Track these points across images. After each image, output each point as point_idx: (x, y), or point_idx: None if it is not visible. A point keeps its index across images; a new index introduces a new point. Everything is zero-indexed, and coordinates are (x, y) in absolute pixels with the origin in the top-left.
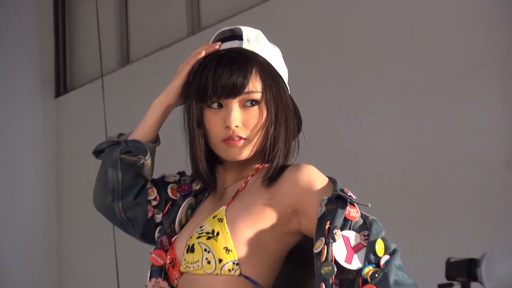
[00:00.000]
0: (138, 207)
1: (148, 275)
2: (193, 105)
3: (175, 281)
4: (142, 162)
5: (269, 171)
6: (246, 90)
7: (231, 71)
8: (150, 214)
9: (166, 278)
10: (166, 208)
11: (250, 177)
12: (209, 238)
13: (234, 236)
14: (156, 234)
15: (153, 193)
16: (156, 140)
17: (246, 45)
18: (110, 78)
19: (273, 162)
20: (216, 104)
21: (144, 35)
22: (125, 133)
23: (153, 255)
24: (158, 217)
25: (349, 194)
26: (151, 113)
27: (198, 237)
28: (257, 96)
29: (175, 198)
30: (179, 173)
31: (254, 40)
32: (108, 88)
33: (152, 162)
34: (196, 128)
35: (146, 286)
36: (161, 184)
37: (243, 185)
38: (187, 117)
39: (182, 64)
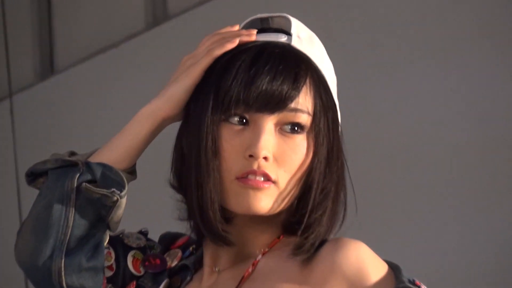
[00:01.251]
0: (89, 273)
1: None
2: (207, 118)
3: None
4: (115, 199)
5: (301, 245)
6: (293, 105)
7: (275, 72)
8: None
9: None
10: None
11: (260, 256)
12: None
13: None
14: None
15: (110, 258)
16: (133, 171)
17: (296, 43)
18: (25, 96)
19: (310, 231)
20: (237, 118)
21: (77, 33)
22: (79, 153)
23: None
24: None
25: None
26: (135, 127)
27: None
28: (305, 119)
29: (138, 274)
30: (141, 232)
31: (307, 39)
32: (21, 110)
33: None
34: (212, 156)
35: None
36: (119, 246)
37: (250, 269)
38: (193, 138)
39: (191, 56)
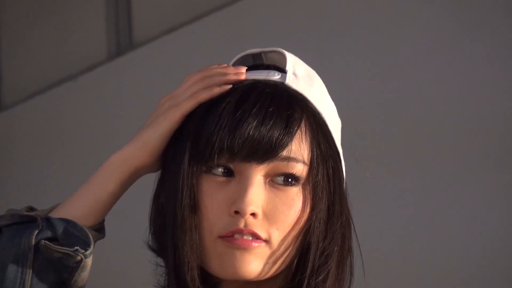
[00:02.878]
0: None
1: None
2: (183, 170)
3: None
4: (79, 259)
5: None
6: (285, 153)
7: (264, 115)
8: None
9: None
10: None
11: None
12: None
13: None
14: None
15: None
16: (100, 228)
17: (291, 81)
18: None
19: None
20: (221, 169)
21: (28, 66)
22: (38, 208)
23: None
24: None
25: None
26: (103, 178)
27: None
28: (300, 170)
29: None
30: None
31: (305, 78)
32: None
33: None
34: (189, 212)
35: None
36: None
37: None
38: (169, 193)
39: (170, 96)
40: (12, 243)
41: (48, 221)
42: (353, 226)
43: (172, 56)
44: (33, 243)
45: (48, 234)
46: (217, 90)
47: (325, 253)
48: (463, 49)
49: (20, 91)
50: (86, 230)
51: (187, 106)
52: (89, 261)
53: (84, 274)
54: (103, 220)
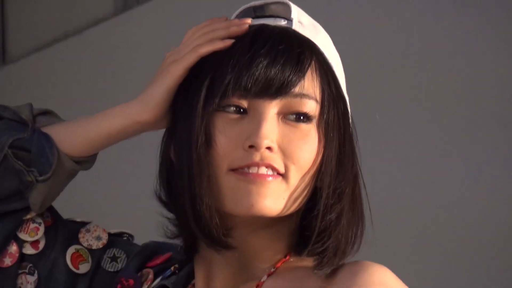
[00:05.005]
0: None
1: None
2: (198, 110)
3: None
4: (29, 181)
5: (323, 258)
6: (297, 89)
7: (276, 53)
8: (8, 263)
9: None
10: None
11: (265, 277)
12: None
13: None
14: None
15: (33, 233)
16: (87, 161)
17: (298, 27)
18: None
19: (326, 237)
20: (233, 107)
21: (33, 20)
22: (53, 113)
23: None
24: (29, 283)
25: None
26: (101, 122)
27: None
28: (313, 108)
29: (75, 271)
30: (120, 234)
31: (310, 26)
32: None
33: (53, 194)
34: (204, 151)
35: None
36: (65, 233)
37: None
38: (183, 138)
39: (174, 51)
40: None
41: (34, 133)
42: (361, 174)
43: (178, 12)
44: (7, 146)
45: (25, 144)
46: (219, 44)
47: (338, 191)
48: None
49: (26, 45)
50: (58, 156)
51: (190, 60)
52: (41, 186)
53: (35, 196)
54: (92, 156)
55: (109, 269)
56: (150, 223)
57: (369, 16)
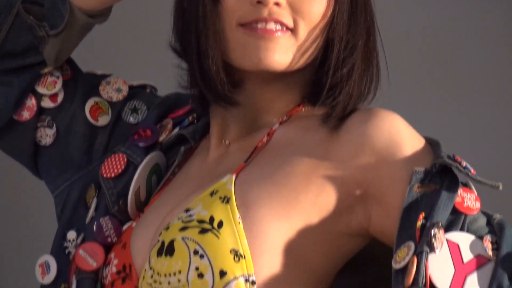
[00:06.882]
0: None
1: None
2: None
3: None
4: (41, 35)
5: (329, 112)
6: None
7: None
8: (26, 116)
9: None
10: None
11: (277, 125)
12: (203, 231)
13: (250, 231)
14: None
15: (51, 87)
16: (101, 15)
17: None
18: None
19: (338, 91)
20: None
21: None
22: None
23: (81, 251)
24: (48, 136)
25: (464, 164)
26: None
27: (183, 229)
28: None
29: (94, 123)
30: (143, 86)
31: None
32: None
33: (68, 48)
34: (211, 7)
35: None
36: (85, 86)
37: (264, 140)
38: None
39: None
40: None
41: None
42: (377, 27)
43: None
44: (20, 1)
45: None
46: None
47: (350, 45)
48: None
49: None
50: (71, 10)
51: None
52: (54, 40)
53: (48, 50)
54: (106, 9)
55: (130, 121)
56: (172, 75)
57: None
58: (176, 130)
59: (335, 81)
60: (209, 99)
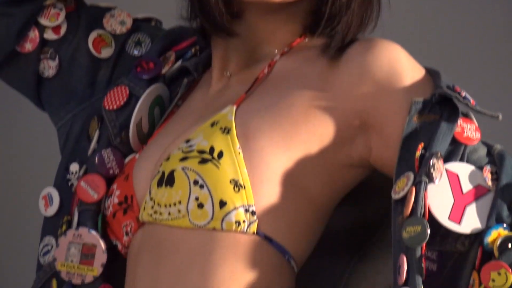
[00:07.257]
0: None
1: (62, 223)
2: None
3: (125, 238)
4: None
5: (328, 42)
6: None
7: None
8: (29, 48)
9: (106, 231)
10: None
11: (278, 56)
12: (203, 161)
13: (250, 161)
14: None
15: (54, 19)
16: None
17: None
18: None
19: (336, 21)
20: None
21: None
22: None
23: (83, 182)
24: (50, 68)
25: (463, 94)
26: None
27: (183, 159)
28: None
29: (97, 55)
30: (147, 19)
31: None
32: None
33: None
34: None
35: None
36: (88, 18)
37: (265, 71)
38: None
39: None
40: None
41: None
42: None
43: None
44: None
45: None
46: None
47: None
48: None
49: None
50: None
51: None
52: None
53: None
54: None
55: (133, 54)
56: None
57: None
58: (179, 62)
59: (334, 10)
60: (208, 30)
